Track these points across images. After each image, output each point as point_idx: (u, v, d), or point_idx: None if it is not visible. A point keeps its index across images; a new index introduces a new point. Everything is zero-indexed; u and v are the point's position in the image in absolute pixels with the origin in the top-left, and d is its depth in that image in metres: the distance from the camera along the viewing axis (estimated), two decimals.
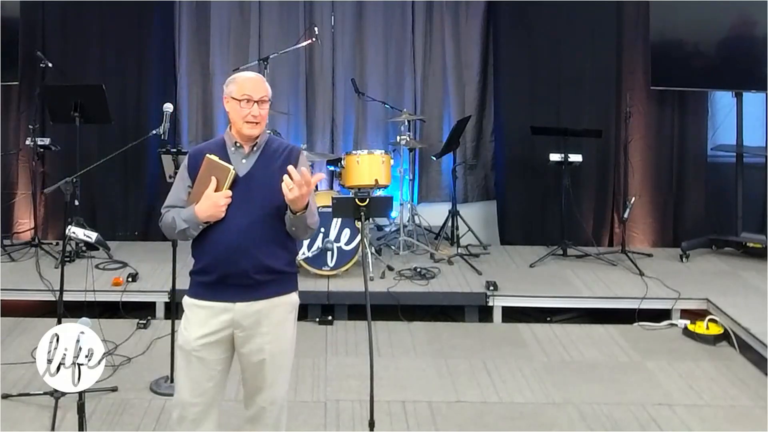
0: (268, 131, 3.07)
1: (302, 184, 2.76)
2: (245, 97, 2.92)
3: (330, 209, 5.01)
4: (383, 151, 6.02)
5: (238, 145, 2.98)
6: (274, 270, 2.92)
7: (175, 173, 3.98)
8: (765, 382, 4.40)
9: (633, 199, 6.38)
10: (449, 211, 6.60)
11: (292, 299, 3.02)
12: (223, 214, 2.87)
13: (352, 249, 5.56)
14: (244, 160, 2.96)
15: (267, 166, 2.96)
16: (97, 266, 5.73)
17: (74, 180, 3.83)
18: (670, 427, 3.91)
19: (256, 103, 2.92)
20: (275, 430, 3.03)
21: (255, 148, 2.97)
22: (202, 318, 2.93)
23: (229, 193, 2.87)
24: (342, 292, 5.40)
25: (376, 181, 5.80)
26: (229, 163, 2.92)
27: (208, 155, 2.91)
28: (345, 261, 5.56)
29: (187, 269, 3.07)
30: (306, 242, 5.46)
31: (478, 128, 7.06)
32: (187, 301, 2.99)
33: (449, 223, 6.57)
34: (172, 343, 4.28)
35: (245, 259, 2.87)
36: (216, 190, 2.87)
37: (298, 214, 2.84)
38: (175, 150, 4.26)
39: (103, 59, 6.71)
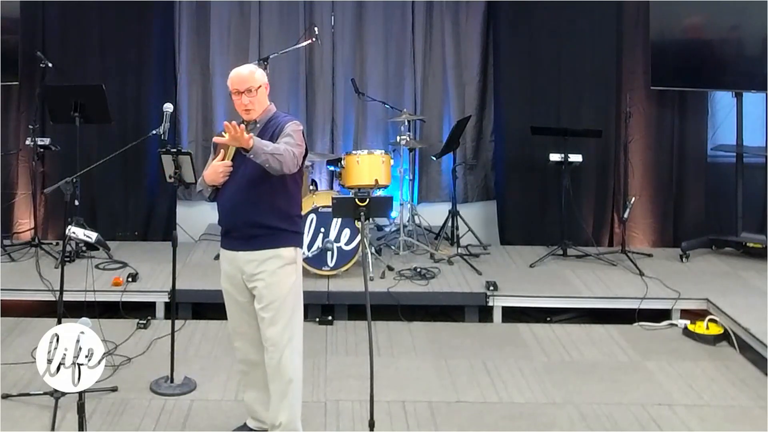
0: (273, 110, 3.53)
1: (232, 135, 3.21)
2: (234, 90, 3.44)
3: (330, 209, 5.01)
4: (383, 151, 6.01)
5: (245, 124, 3.47)
6: (263, 225, 3.39)
7: (176, 173, 4.17)
8: (765, 382, 4.40)
9: (633, 199, 6.37)
10: (449, 211, 6.59)
11: (285, 254, 3.44)
12: (222, 180, 3.44)
13: (352, 249, 5.56)
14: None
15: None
16: (97, 266, 5.73)
17: (74, 180, 3.84)
18: (670, 427, 3.91)
19: (242, 94, 3.41)
20: (277, 371, 3.42)
21: (258, 125, 3.48)
22: (224, 261, 3.54)
23: (229, 163, 3.44)
24: (342, 292, 5.39)
25: (376, 181, 5.80)
26: None
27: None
28: (345, 261, 5.56)
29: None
30: (306, 242, 5.46)
31: (478, 128, 7.05)
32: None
33: (449, 223, 6.57)
34: (172, 343, 4.28)
35: (238, 215, 3.42)
36: (223, 160, 3.45)
37: (249, 155, 3.25)
38: (175, 150, 4.26)
39: (103, 59, 6.69)
